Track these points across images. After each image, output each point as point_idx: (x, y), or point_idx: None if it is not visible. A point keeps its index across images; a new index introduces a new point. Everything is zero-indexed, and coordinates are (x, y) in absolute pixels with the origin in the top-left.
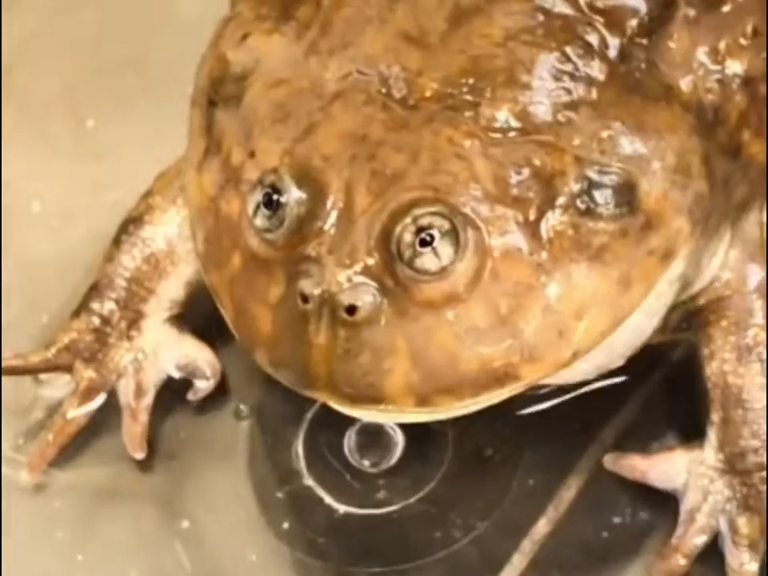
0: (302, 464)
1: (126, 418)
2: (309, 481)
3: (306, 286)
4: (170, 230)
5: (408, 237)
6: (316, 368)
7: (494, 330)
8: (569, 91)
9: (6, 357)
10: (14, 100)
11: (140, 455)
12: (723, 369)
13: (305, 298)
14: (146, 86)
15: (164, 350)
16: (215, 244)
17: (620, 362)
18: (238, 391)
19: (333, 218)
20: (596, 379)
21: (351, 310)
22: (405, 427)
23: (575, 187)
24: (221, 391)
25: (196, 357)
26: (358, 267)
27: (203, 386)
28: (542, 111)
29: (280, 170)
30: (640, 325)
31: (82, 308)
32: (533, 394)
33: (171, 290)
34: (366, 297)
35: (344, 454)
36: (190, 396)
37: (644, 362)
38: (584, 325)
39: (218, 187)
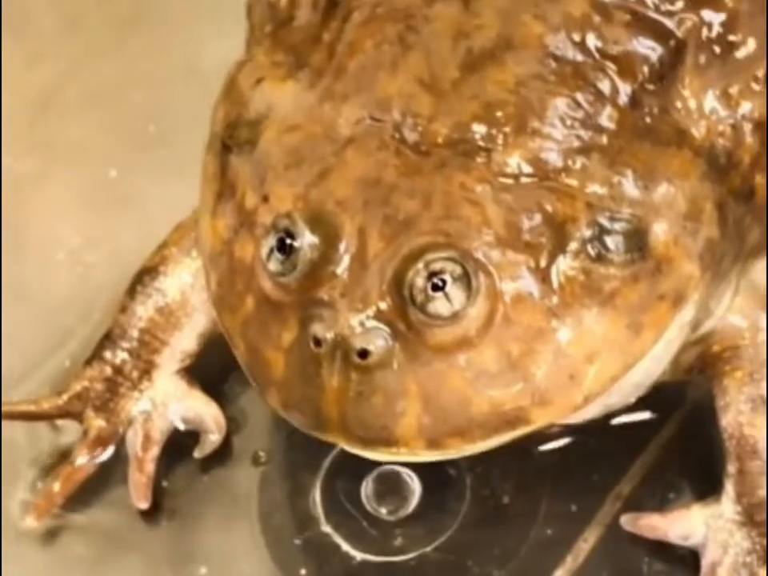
0: (319, 511)
1: (132, 468)
2: (326, 528)
3: (319, 329)
4: (184, 280)
5: (420, 282)
6: (328, 411)
7: (505, 374)
8: (580, 137)
9: (18, 401)
10: (38, 150)
11: (143, 505)
12: (739, 420)
13: (317, 342)
14: (167, 135)
15: (173, 402)
16: (228, 287)
17: (629, 402)
18: (256, 438)
19: (346, 262)
20: (611, 428)
21: (364, 353)
22: (422, 475)
23: (586, 233)
24: (239, 437)
25: (202, 412)
26: (370, 311)
27: (209, 443)
28: (553, 157)
29: (293, 215)
30: (649, 367)
31: (94, 357)
32: (550, 444)
33: (185, 341)
34: (378, 341)
35: (361, 501)
36: (197, 453)
37: (659, 413)
38: (595, 369)
39: (231, 231)
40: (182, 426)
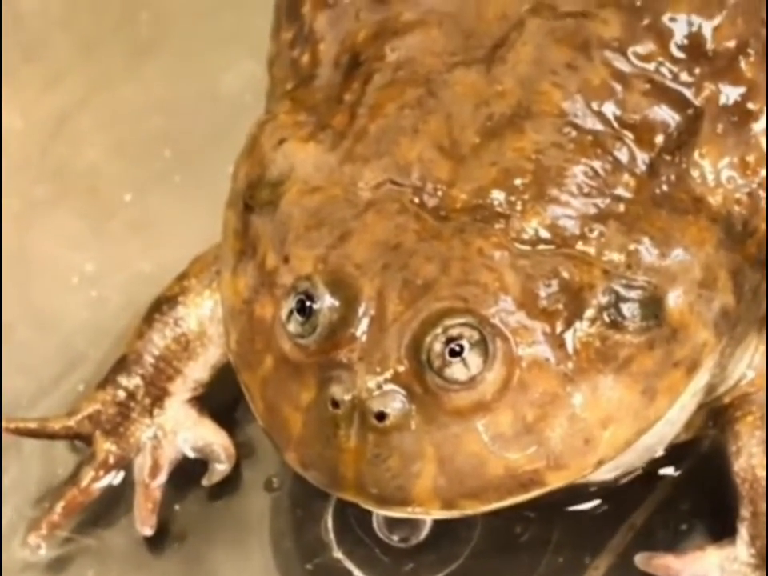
0: (331, 537)
1: (138, 494)
2: (338, 554)
3: (337, 392)
4: (203, 312)
5: (438, 347)
6: (345, 471)
7: (521, 438)
8: (597, 205)
9: (29, 419)
10: (54, 174)
11: (148, 532)
12: (751, 463)
13: (335, 404)
14: (183, 160)
15: (183, 430)
16: (248, 345)
17: (641, 464)
18: (269, 463)
19: (364, 325)
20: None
21: (381, 416)
22: None
23: (603, 300)
24: (253, 463)
25: (212, 441)
26: (388, 375)
27: (217, 471)
28: (570, 224)
29: (314, 278)
30: (662, 430)
31: (108, 381)
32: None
33: (198, 371)
34: (395, 404)
35: (373, 528)
36: (204, 481)
37: (674, 448)
38: (609, 434)
39: (252, 290)
40: (191, 454)
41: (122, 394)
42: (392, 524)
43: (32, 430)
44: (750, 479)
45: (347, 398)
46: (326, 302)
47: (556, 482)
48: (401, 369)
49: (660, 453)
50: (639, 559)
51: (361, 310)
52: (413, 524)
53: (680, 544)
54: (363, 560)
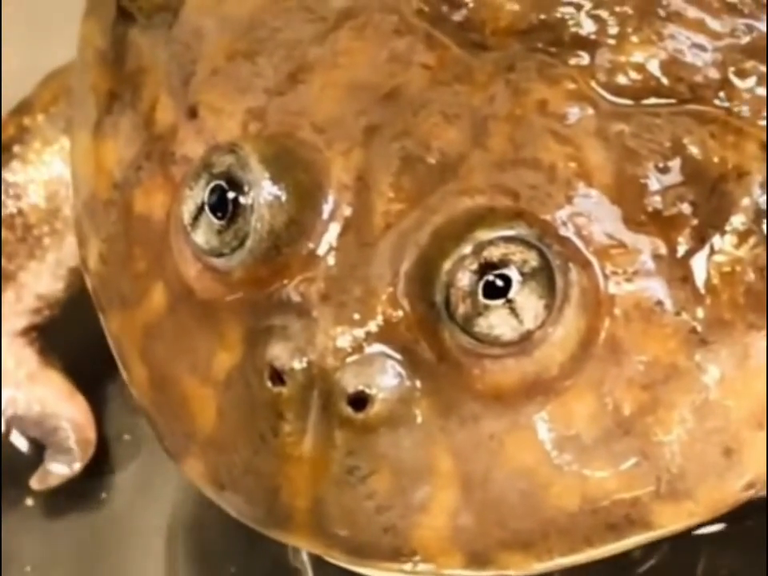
0: None
1: None
2: None
3: (281, 354)
4: (54, 173)
5: (465, 279)
6: (292, 496)
7: (611, 444)
8: (751, 28)
9: None
10: None
11: None
12: None
13: (278, 376)
14: None
15: (10, 388)
16: (120, 266)
17: None
18: None
19: (332, 235)
20: None
21: (359, 401)
22: None
23: (762, 198)
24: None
25: (57, 412)
26: (373, 326)
27: (56, 468)
28: (704, 61)
29: (242, 149)
30: None
31: None
32: None
33: (43, 276)
34: (384, 379)
35: None
36: (34, 483)
37: None
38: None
39: (129, 166)
40: (12, 433)
41: None
42: None
43: None
44: None
45: (299, 365)
46: (264, 191)
47: (672, 521)
48: (396, 316)
49: None
50: None
51: (326, 209)
52: None
53: None
54: None
